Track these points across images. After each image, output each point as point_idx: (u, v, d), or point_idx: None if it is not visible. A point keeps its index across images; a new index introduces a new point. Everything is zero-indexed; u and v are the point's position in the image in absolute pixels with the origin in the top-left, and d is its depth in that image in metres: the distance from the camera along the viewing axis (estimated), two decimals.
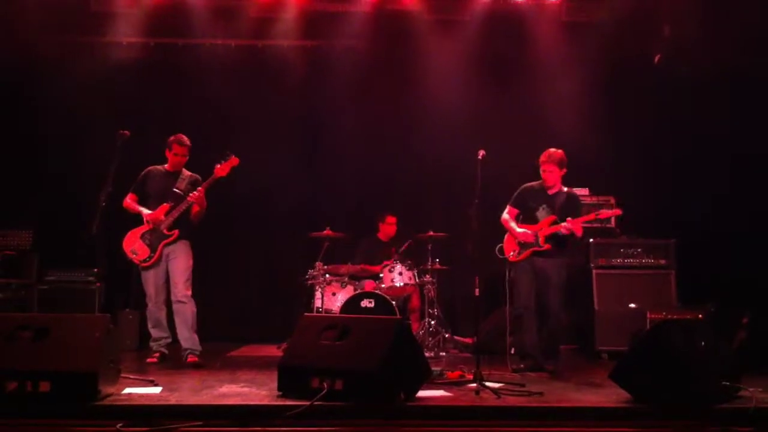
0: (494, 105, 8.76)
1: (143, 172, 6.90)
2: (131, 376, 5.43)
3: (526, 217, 6.64)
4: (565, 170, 6.58)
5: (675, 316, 7.21)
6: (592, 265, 7.91)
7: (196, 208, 6.68)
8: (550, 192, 6.59)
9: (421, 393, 4.94)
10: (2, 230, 8.15)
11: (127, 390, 4.99)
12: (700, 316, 7.12)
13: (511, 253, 6.58)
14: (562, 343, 6.72)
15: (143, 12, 8.71)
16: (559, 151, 6.55)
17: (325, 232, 8.02)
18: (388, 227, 8.64)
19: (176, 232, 6.68)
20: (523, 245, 6.53)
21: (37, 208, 8.48)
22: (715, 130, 8.02)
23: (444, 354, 7.68)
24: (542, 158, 6.57)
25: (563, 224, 6.31)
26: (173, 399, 4.81)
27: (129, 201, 6.81)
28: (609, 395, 5.03)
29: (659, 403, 4.65)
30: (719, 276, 7.43)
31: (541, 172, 6.59)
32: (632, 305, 7.67)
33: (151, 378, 5.47)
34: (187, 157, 6.89)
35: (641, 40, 8.90)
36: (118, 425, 4.16)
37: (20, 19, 8.20)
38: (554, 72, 8.79)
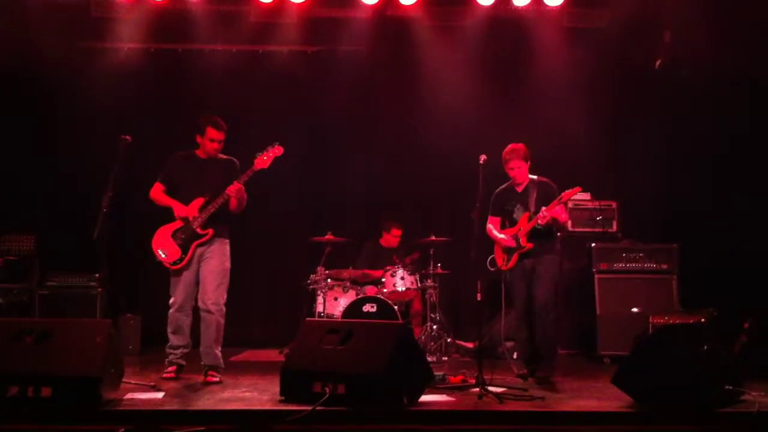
0: (496, 110, 8.75)
1: (172, 158, 6.26)
2: (133, 381, 5.43)
3: (508, 221, 6.48)
4: (529, 162, 6.37)
5: (677, 321, 7.19)
6: (594, 269, 7.90)
7: (234, 202, 6.05)
8: (519, 189, 6.40)
9: (424, 398, 4.94)
10: (4, 235, 8.16)
11: (129, 395, 4.99)
12: (703, 320, 7.10)
13: (501, 262, 6.44)
14: (555, 346, 6.36)
15: (143, 18, 8.70)
16: (520, 144, 6.36)
17: (326, 236, 8.02)
18: (392, 238, 8.62)
19: (210, 231, 6.01)
20: (508, 251, 6.37)
21: (38, 213, 8.48)
22: (718, 134, 8.03)
23: (446, 358, 7.68)
24: (506, 156, 6.33)
25: (539, 215, 6.07)
26: (175, 404, 4.82)
27: (157, 192, 6.17)
28: (611, 399, 5.03)
29: (662, 408, 4.65)
30: (721, 280, 7.42)
31: (508, 171, 6.36)
32: (634, 309, 7.66)
33: (152, 383, 5.47)
34: (223, 144, 6.19)
35: (642, 45, 8.89)
36: (120, 430, 4.15)
37: (21, 25, 8.21)
38: (556, 77, 8.78)
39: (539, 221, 6.07)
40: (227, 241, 6.17)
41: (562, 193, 6.06)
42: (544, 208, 6.05)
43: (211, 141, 6.12)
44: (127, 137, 5.88)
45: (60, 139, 8.79)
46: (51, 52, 8.46)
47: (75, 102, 8.73)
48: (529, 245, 6.19)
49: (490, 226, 6.51)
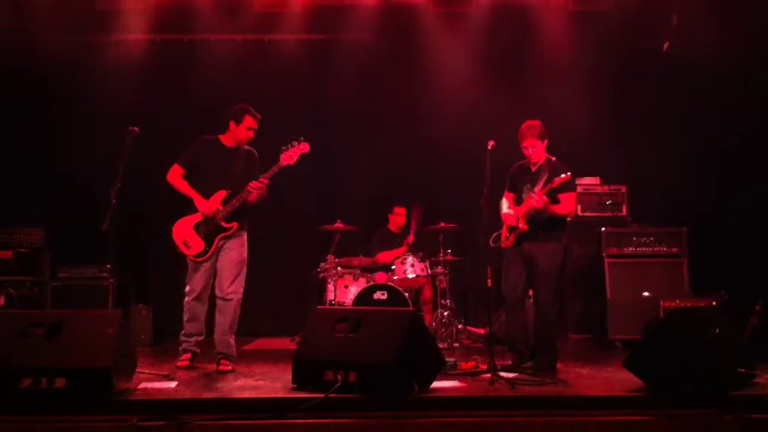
0: (503, 95, 8.71)
1: (196, 142, 6.13)
2: (146, 371, 5.45)
3: (519, 199, 6.18)
4: (546, 141, 6.01)
5: (688, 304, 7.20)
6: (604, 254, 7.89)
7: (254, 196, 5.94)
8: (534, 168, 6.04)
9: (435, 384, 4.94)
10: (15, 228, 8.20)
11: (142, 385, 5.01)
12: (714, 303, 7.10)
13: (503, 239, 6.12)
14: (554, 343, 6.04)
15: (148, 9, 8.72)
16: (536, 121, 6.00)
17: (336, 225, 8.03)
18: (397, 218, 8.65)
19: (235, 224, 5.94)
20: (509, 229, 6.04)
21: (48, 205, 8.52)
22: (727, 117, 7.99)
23: (457, 345, 7.69)
24: (520, 134, 5.98)
25: (531, 199, 5.80)
26: (188, 393, 4.84)
27: (176, 176, 6.02)
28: (623, 384, 5.02)
29: (674, 391, 4.64)
30: (732, 263, 7.40)
31: (522, 150, 6.02)
32: (645, 294, 7.66)
33: (165, 373, 5.49)
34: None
35: (650, 28, 8.85)
36: (135, 420, 4.17)
37: (26, 19, 8.23)
38: (563, 61, 8.77)
39: (532, 206, 5.81)
40: (245, 232, 6.13)
41: (555, 179, 5.75)
42: (536, 191, 5.80)
43: (247, 129, 6.05)
44: (135, 129, 5.85)
45: (67, 132, 8.81)
46: (56, 45, 8.49)
47: (81, 94, 8.78)
48: (525, 227, 5.93)
49: (503, 200, 6.29)
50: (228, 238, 5.98)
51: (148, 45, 9.06)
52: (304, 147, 6.05)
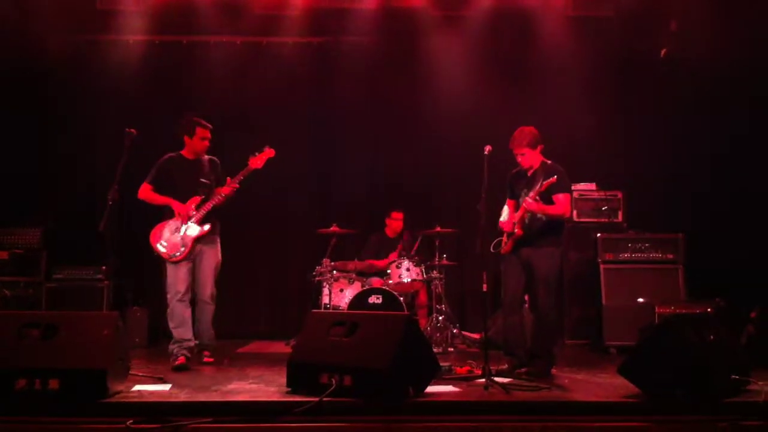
0: (501, 100, 8.73)
1: (163, 160, 6.44)
2: (140, 374, 5.45)
3: (518, 205, 6.14)
4: (541, 146, 6.04)
5: (683, 311, 7.19)
6: (600, 260, 7.89)
7: (224, 199, 6.32)
8: (530, 173, 6.08)
9: (430, 389, 4.94)
10: (11, 228, 8.21)
11: (137, 387, 5.01)
12: (709, 310, 7.09)
13: (503, 245, 6.15)
14: (552, 347, 6.08)
15: (149, 10, 8.72)
16: (526, 128, 6.04)
17: (332, 228, 8.02)
18: (394, 222, 8.64)
19: (209, 226, 6.33)
20: (507, 235, 6.09)
21: (45, 206, 8.51)
22: (724, 123, 8.00)
23: (452, 349, 7.68)
24: (510, 144, 6.05)
25: (523, 205, 5.85)
26: (182, 396, 4.82)
27: (147, 191, 6.37)
28: (618, 390, 5.02)
29: (668, 398, 4.64)
30: (727, 270, 7.40)
31: (515, 157, 6.10)
32: (640, 300, 7.65)
33: (159, 375, 5.49)
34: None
35: (648, 33, 8.87)
36: (128, 422, 4.16)
37: (27, 18, 8.23)
38: (561, 66, 8.78)
39: (526, 212, 5.87)
40: (218, 235, 6.50)
41: (543, 183, 5.77)
42: (531, 196, 5.82)
43: (202, 139, 6.43)
44: (133, 131, 5.95)
45: (65, 132, 8.81)
46: (56, 45, 8.49)
47: (80, 95, 8.79)
48: (520, 232, 5.96)
49: (504, 208, 6.31)
50: (203, 241, 6.34)
51: (147, 46, 9.06)
52: (270, 153, 6.43)
